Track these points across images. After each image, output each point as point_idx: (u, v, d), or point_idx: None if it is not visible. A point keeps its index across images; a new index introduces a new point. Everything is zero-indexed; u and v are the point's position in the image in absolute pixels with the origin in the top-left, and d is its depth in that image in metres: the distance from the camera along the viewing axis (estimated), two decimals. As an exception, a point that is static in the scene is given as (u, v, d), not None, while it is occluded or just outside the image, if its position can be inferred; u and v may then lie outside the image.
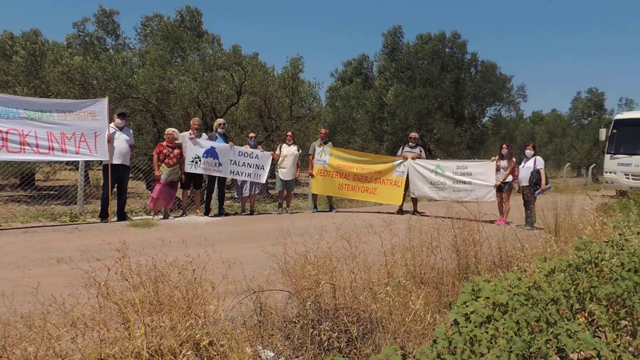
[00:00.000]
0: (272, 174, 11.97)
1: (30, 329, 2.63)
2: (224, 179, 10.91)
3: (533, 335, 2.34)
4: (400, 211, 11.46)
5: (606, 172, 17.66)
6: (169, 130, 9.97)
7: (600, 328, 2.89)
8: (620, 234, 4.57)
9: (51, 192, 14.44)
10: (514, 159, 10.29)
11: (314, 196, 12.14)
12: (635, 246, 3.98)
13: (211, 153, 10.19)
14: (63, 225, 8.80)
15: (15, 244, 6.81)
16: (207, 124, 15.29)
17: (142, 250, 3.61)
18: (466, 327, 2.33)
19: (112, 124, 9.24)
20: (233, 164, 10.55)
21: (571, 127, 40.83)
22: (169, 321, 2.79)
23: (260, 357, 2.85)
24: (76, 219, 9.36)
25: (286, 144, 11.30)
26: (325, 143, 11.78)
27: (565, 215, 6.66)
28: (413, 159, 11.39)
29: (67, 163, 15.85)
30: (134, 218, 9.53)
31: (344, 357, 2.79)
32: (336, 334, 3.01)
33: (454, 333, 2.30)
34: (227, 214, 10.82)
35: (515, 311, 2.49)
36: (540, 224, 7.55)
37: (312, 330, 3.00)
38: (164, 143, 9.74)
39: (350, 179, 11.68)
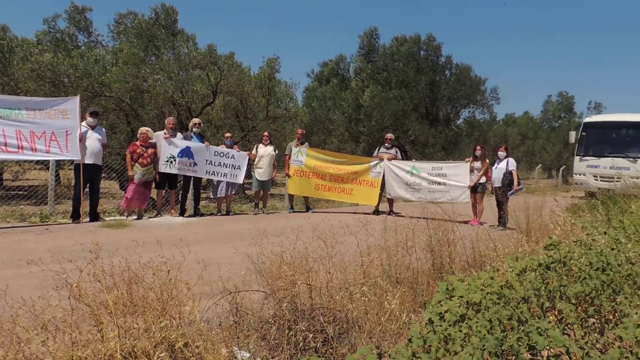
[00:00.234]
0: (249, 174, 11.92)
1: (-1, 332, 2.56)
2: (200, 179, 10.81)
3: (505, 333, 2.39)
4: (377, 212, 11.54)
5: (576, 174, 18.11)
6: (143, 129, 9.82)
7: (569, 326, 2.96)
8: (588, 234, 4.70)
9: (20, 192, 14.04)
10: (487, 161, 10.47)
11: (291, 196, 12.13)
12: (603, 246, 4.10)
13: (186, 153, 10.09)
14: (33, 226, 8.58)
15: (-18, 246, 6.61)
16: (182, 124, 15.13)
17: (115, 251, 3.55)
18: (440, 326, 2.36)
19: (83, 123, 9.06)
20: (209, 164, 10.46)
21: (542, 130, 41.78)
22: (143, 323, 2.75)
23: (236, 358, 2.84)
24: (47, 220, 9.13)
25: (262, 144, 11.26)
26: (301, 143, 11.79)
27: (536, 215, 6.80)
28: (389, 160, 11.49)
29: (37, 162, 15.49)
30: (106, 219, 9.36)
31: (320, 357, 2.80)
32: (312, 334, 3.02)
33: (428, 332, 2.33)
34: (202, 215, 10.72)
35: (488, 310, 2.54)
36: (513, 224, 7.70)
37: (288, 330, 3.00)
38: (138, 142, 9.59)
39: (327, 180, 11.71)
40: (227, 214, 10.99)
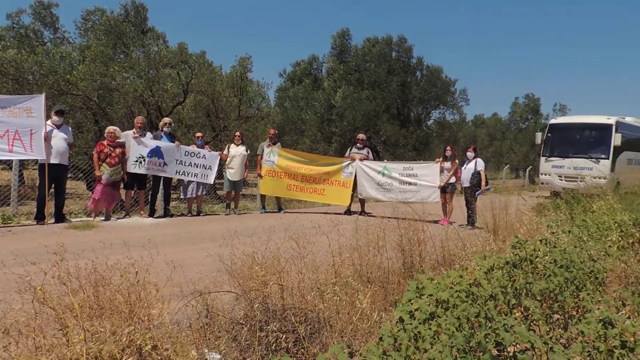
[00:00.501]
0: (220, 175, 11.81)
1: (-43, 338, 2.47)
2: (170, 179, 10.65)
3: (473, 330, 2.44)
4: (348, 212, 11.59)
5: (542, 174, 18.59)
6: (110, 128, 9.60)
7: (535, 322, 3.04)
8: (552, 233, 4.84)
9: (-19, 193, 13.57)
10: (457, 161, 10.65)
11: (262, 197, 12.07)
12: (567, 244, 4.22)
13: (156, 153, 9.92)
14: (-5, 228, 8.30)
15: (-59, 249, 6.36)
16: (152, 123, 14.88)
17: (81, 253, 3.47)
18: (411, 324, 2.40)
19: (49, 122, 8.80)
20: (179, 163, 10.32)
21: (510, 131, 42.72)
22: (110, 326, 2.69)
23: (206, 359, 2.81)
24: (9, 221, 8.84)
25: (234, 144, 11.18)
26: (274, 144, 11.74)
27: (503, 215, 6.95)
28: (361, 160, 11.56)
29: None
30: (73, 220, 9.13)
31: (291, 357, 2.80)
32: (284, 334, 3.01)
33: (399, 330, 2.36)
34: (172, 215, 10.57)
35: (457, 308, 2.59)
36: (481, 223, 7.86)
37: (259, 331, 2.99)
38: (105, 142, 9.36)
39: (299, 180, 11.70)
40: (198, 214, 10.87)
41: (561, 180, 17.38)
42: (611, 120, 17.30)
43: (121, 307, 2.87)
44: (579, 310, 3.24)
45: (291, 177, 11.66)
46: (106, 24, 15.46)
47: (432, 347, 2.21)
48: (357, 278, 4.04)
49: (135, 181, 9.88)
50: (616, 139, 16.68)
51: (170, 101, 15.63)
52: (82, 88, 13.13)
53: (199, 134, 11.39)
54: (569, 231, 4.81)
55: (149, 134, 10.20)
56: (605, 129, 17.19)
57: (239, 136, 11.31)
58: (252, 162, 12.61)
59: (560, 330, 3.08)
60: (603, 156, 16.89)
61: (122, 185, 9.75)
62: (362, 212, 11.49)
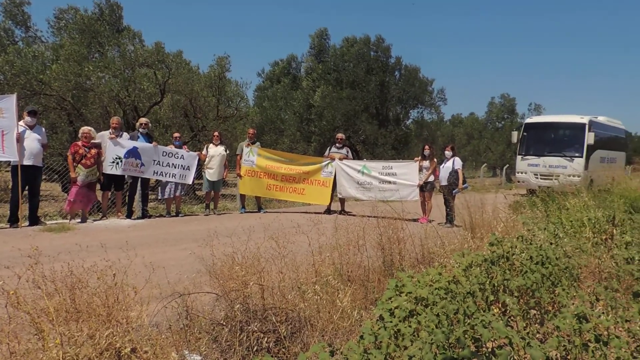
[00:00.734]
0: (199, 175, 11.70)
1: None
2: (148, 179, 10.51)
3: (452, 327, 2.47)
4: (328, 211, 11.61)
5: (518, 172, 18.91)
6: (85, 128, 9.40)
7: (512, 318, 3.10)
8: (529, 230, 4.93)
9: (-49, 196, 13.19)
10: (435, 160, 10.75)
11: (242, 197, 12.01)
12: (542, 241, 4.30)
13: (133, 153, 9.79)
14: (-34, 231, 8.08)
15: None
16: (129, 124, 14.66)
17: (57, 256, 3.40)
18: (391, 322, 2.41)
19: (21, 122, 8.60)
20: (157, 164, 10.19)
21: (487, 130, 43.23)
22: (88, 329, 2.65)
23: (186, 361, 2.79)
24: (-19, 225, 8.63)
25: (213, 144, 11.09)
26: (253, 143, 11.69)
27: (481, 213, 7.05)
28: (340, 159, 11.58)
29: (-30, 164, 14.58)
30: (48, 222, 8.95)
31: (272, 357, 2.79)
32: (265, 334, 3.01)
33: (379, 328, 2.37)
34: (151, 216, 10.44)
35: (436, 305, 2.61)
36: (460, 221, 7.95)
37: (240, 332, 2.98)
38: (80, 143, 9.18)
39: (279, 180, 11.67)
40: (177, 215, 10.76)
41: (537, 178, 17.69)
42: (584, 119, 17.67)
43: (99, 310, 2.82)
44: (555, 306, 3.31)
45: (271, 176, 11.62)
46: (80, 23, 15.15)
47: (412, 344, 2.23)
48: (338, 277, 4.05)
49: (112, 182, 9.73)
50: (589, 138, 17.05)
51: (147, 101, 15.41)
52: (56, 88, 12.86)
53: (176, 134, 11.27)
54: (545, 228, 4.90)
55: (125, 135, 10.05)
56: (578, 128, 17.55)
57: (217, 136, 11.23)
58: (232, 162, 12.53)
59: (536, 325, 3.14)
60: (577, 155, 17.25)
61: (98, 187, 9.59)
62: (342, 211, 11.52)
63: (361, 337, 2.32)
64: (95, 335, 2.59)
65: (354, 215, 10.56)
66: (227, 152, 11.31)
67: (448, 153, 10.37)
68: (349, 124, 23.89)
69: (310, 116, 24.46)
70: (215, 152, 10.95)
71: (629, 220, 6.01)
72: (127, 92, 14.42)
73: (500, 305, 3.23)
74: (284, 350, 2.96)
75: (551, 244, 4.20)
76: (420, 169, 10.67)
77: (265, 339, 3.00)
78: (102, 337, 2.57)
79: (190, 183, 11.02)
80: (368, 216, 5.76)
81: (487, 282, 3.28)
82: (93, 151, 9.20)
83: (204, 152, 11.06)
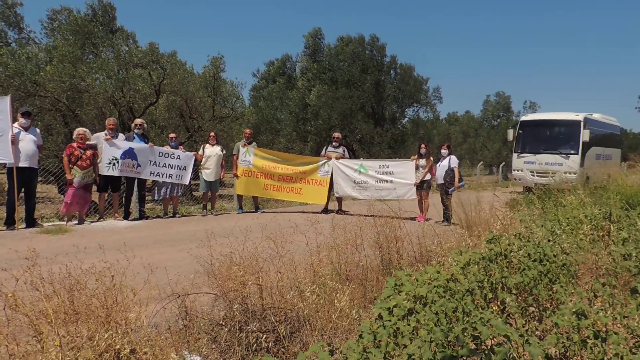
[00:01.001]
0: (196, 176, 11.66)
1: None
2: (144, 180, 10.48)
3: (451, 325, 2.47)
4: (325, 210, 11.61)
5: (514, 170, 18.96)
6: (80, 130, 9.37)
7: (510, 315, 3.11)
8: (526, 227, 4.94)
9: (-54, 199, 13.11)
10: (431, 158, 10.77)
11: (239, 197, 11.99)
12: (540, 238, 4.31)
13: (129, 154, 9.76)
14: (-39, 234, 8.04)
15: None
16: (124, 125, 14.62)
17: (54, 258, 3.39)
18: (389, 320, 2.41)
19: (16, 124, 8.56)
20: (153, 165, 10.17)
21: (483, 128, 43.30)
22: (87, 331, 2.64)
23: (186, 362, 2.79)
24: (-23, 227, 8.58)
25: (209, 144, 11.08)
26: (249, 143, 11.68)
27: (478, 210, 7.06)
28: (337, 158, 11.58)
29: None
30: (45, 224, 8.92)
31: (272, 356, 2.79)
32: (264, 334, 3.01)
33: (378, 327, 2.37)
34: (148, 217, 10.41)
35: (435, 303, 2.62)
36: (457, 219, 7.96)
37: (239, 332, 2.98)
38: (75, 144, 9.14)
39: (276, 180, 11.67)
40: (174, 216, 10.73)
41: (533, 175, 17.74)
42: (579, 116, 17.73)
43: (97, 312, 2.81)
44: (553, 303, 3.32)
45: (268, 176, 11.62)
46: (73, 24, 15.08)
47: (411, 343, 2.23)
48: (336, 276, 4.06)
49: (108, 183, 9.70)
50: (585, 135, 17.11)
51: (143, 102, 15.37)
52: (51, 89, 12.81)
53: (172, 135, 11.25)
54: (542, 225, 4.92)
55: (121, 136, 10.02)
56: (574, 125, 17.61)
57: (213, 136, 11.22)
58: (228, 162, 12.52)
59: (535, 322, 3.15)
60: (572, 152, 17.31)
61: (95, 188, 9.55)
62: (339, 211, 11.52)
63: (360, 336, 2.33)
64: (95, 337, 2.58)
65: (351, 215, 10.57)
66: (224, 152, 11.30)
67: (444, 151, 10.39)
68: (345, 123, 23.90)
69: (306, 115, 24.46)
70: (212, 152, 10.94)
71: (626, 216, 6.03)
72: (122, 93, 14.38)
73: (498, 302, 3.23)
74: (283, 349, 2.96)
75: (549, 241, 4.21)
76: (417, 168, 10.68)
77: (265, 338, 3.00)
78: (102, 338, 2.57)
79: (187, 183, 11.00)
80: (365, 215, 5.76)
81: (485, 280, 3.29)
82: (88, 152, 9.16)
83: (200, 152, 11.05)
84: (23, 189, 8.66)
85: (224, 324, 3.14)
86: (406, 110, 28.24)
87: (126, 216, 10.01)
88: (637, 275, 3.73)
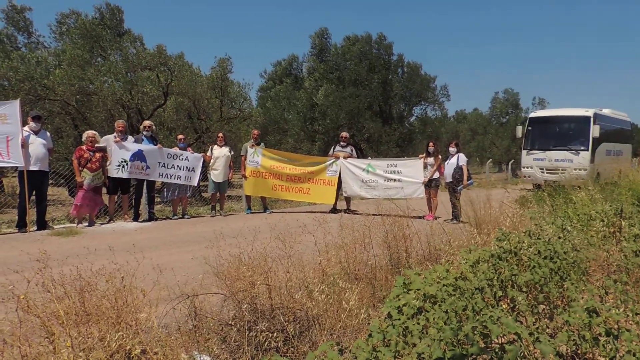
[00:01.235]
0: (205, 177, 11.70)
1: (-60, 350, 2.41)
2: (153, 182, 10.54)
3: (461, 323, 2.46)
4: (334, 210, 11.60)
5: (524, 167, 18.80)
6: (89, 133, 9.44)
7: (521, 313, 3.08)
8: (536, 225, 4.90)
9: (-41, 202, 13.26)
10: (440, 156, 10.71)
11: (248, 197, 12.02)
12: (550, 235, 4.28)
13: (138, 156, 9.82)
14: (-26, 237, 8.13)
15: None
16: (133, 127, 14.71)
17: (65, 260, 3.41)
18: (399, 319, 2.41)
19: (26, 128, 8.65)
20: (162, 166, 10.22)
21: (491, 125, 43.12)
22: (98, 332, 2.66)
23: (196, 362, 2.80)
24: (-11, 230, 8.68)
25: (217, 145, 11.11)
26: (257, 144, 11.70)
27: (487, 208, 7.02)
28: (345, 158, 11.57)
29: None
30: (56, 227, 9.00)
31: (281, 356, 2.80)
32: (273, 334, 3.01)
33: (387, 326, 2.37)
34: (157, 219, 10.47)
35: (444, 301, 2.61)
36: (466, 217, 7.92)
37: (248, 331, 2.98)
38: (84, 147, 9.22)
39: (284, 180, 11.68)
40: (183, 217, 10.78)
41: (543, 172, 17.59)
42: (589, 112, 17.55)
43: (108, 313, 2.83)
44: (564, 300, 3.29)
45: (276, 177, 11.63)
46: (82, 27, 15.21)
47: (420, 342, 2.23)
48: (345, 275, 4.05)
49: (118, 186, 9.77)
50: (595, 131, 16.93)
51: (151, 104, 15.47)
52: (60, 93, 12.93)
53: (180, 136, 11.30)
54: (552, 222, 4.88)
55: (130, 138, 10.08)
56: (583, 121, 17.43)
57: (221, 137, 11.25)
58: (236, 163, 12.56)
59: (546, 320, 3.13)
60: (582, 148, 17.13)
61: (105, 190, 9.62)
62: (347, 210, 11.51)
63: (369, 335, 2.32)
64: (106, 338, 2.60)
65: (359, 214, 10.55)
66: (232, 153, 11.33)
67: (452, 149, 10.34)
68: (353, 123, 23.88)
69: (313, 115, 24.47)
70: (220, 153, 10.97)
71: (637, 212, 5.98)
72: (131, 95, 14.49)
73: (508, 300, 3.22)
74: (292, 349, 2.96)
75: (559, 238, 4.18)
76: (425, 166, 10.64)
77: (274, 338, 3.00)
78: (113, 339, 2.59)
79: (196, 184, 11.04)
80: (373, 214, 5.75)
81: (495, 278, 3.27)
82: (98, 155, 9.24)
83: (208, 153, 11.08)
84: (34, 192, 8.75)
85: (233, 324, 3.15)
86: (414, 108, 28.20)
87: (136, 218, 10.08)
88: (649, 272, 3.69)
